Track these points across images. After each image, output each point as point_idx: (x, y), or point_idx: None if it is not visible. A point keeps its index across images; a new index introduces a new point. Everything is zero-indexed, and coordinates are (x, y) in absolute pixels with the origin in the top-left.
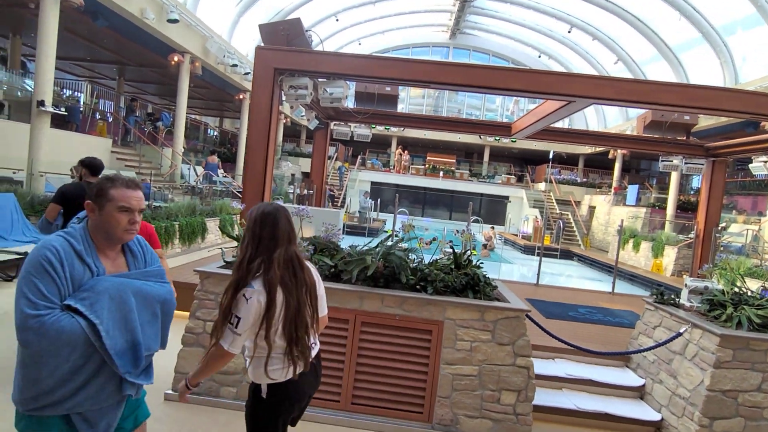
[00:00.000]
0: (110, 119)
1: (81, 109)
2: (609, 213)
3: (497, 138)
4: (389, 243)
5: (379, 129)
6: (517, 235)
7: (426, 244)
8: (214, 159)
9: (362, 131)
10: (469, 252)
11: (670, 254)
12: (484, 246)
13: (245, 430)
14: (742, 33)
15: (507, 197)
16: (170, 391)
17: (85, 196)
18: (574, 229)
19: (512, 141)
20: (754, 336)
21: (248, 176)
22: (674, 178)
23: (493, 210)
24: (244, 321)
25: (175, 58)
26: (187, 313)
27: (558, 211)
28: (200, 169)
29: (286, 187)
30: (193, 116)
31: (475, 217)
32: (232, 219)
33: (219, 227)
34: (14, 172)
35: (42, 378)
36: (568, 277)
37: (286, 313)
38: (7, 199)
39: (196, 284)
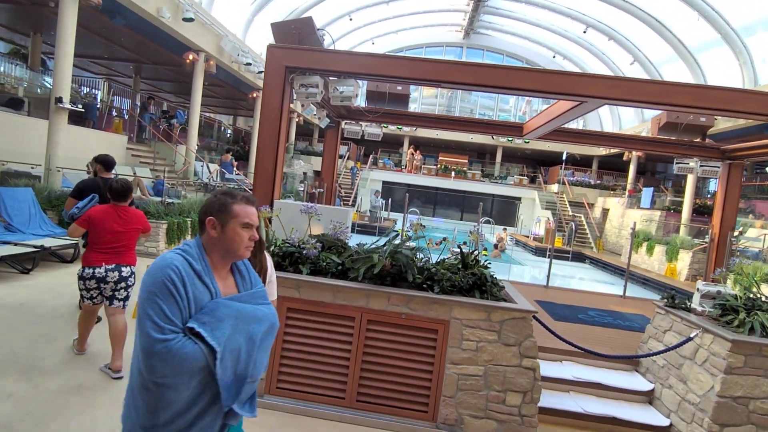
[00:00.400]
0: (126, 116)
1: (98, 106)
2: (623, 216)
3: (510, 138)
4: (397, 242)
5: (391, 128)
6: (528, 237)
7: (436, 244)
8: (228, 157)
9: (373, 130)
10: (477, 252)
11: (684, 258)
12: (495, 246)
13: (249, 421)
14: (762, 34)
15: (519, 198)
16: None
17: (98, 190)
18: (587, 231)
19: (525, 142)
20: (766, 343)
21: (258, 174)
22: (690, 181)
23: (505, 211)
24: None
25: (190, 57)
26: None
27: (570, 213)
28: (213, 167)
29: (297, 186)
30: (207, 114)
31: (487, 218)
32: None
33: None
34: (32, 168)
35: (162, 407)
36: (580, 279)
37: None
38: (26, 194)
39: None
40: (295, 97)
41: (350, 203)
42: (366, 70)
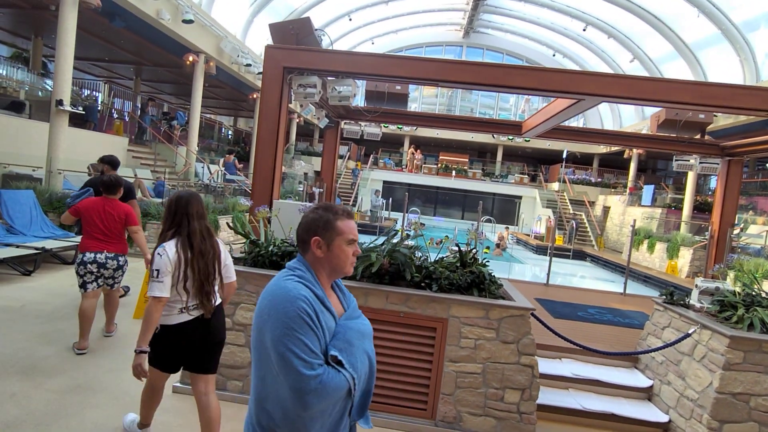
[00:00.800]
0: (127, 118)
1: (99, 108)
2: (624, 213)
3: (510, 137)
4: (395, 240)
5: (392, 128)
6: (529, 235)
7: (437, 243)
8: (230, 158)
9: (372, 130)
10: (475, 250)
11: (685, 255)
12: (497, 245)
13: (242, 415)
14: (765, 29)
15: (519, 197)
16: (178, 384)
17: (96, 185)
18: (588, 229)
19: (525, 140)
20: (767, 338)
21: (257, 174)
22: (690, 178)
23: (506, 210)
24: (160, 271)
25: (190, 58)
26: None
27: (571, 212)
28: (214, 167)
29: (296, 186)
30: (207, 115)
31: (488, 217)
32: (242, 217)
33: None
34: (34, 170)
35: None
36: (581, 277)
37: (192, 269)
38: (27, 196)
39: None
40: (293, 98)
41: (350, 203)
42: (364, 70)
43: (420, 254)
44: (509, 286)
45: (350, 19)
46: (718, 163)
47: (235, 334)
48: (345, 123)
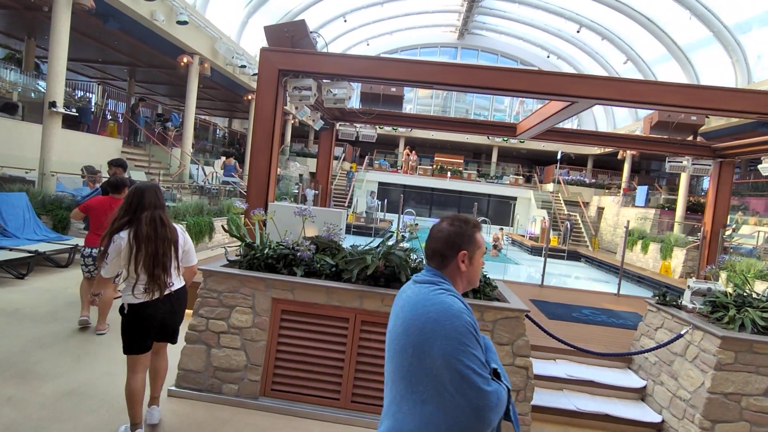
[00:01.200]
0: (121, 120)
1: (92, 109)
2: (618, 214)
3: (505, 138)
4: (390, 242)
5: (387, 129)
6: (524, 236)
7: None
8: (231, 161)
9: (367, 132)
10: None
11: (678, 256)
12: (494, 246)
13: (243, 423)
14: (757, 31)
15: (514, 198)
16: (173, 387)
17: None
18: (582, 230)
19: (520, 141)
20: (758, 339)
21: (253, 176)
22: (683, 179)
23: (501, 211)
24: (110, 256)
25: (185, 60)
26: (191, 311)
27: (566, 212)
28: (209, 169)
29: (292, 188)
30: (202, 117)
31: (483, 218)
32: (237, 219)
33: (222, 226)
34: (26, 172)
35: None
36: (575, 278)
37: (146, 254)
38: (20, 199)
39: (200, 283)
40: (288, 100)
41: (345, 205)
42: (358, 73)
43: (415, 256)
44: (504, 287)
45: (345, 21)
46: (710, 165)
47: (231, 337)
48: (340, 125)
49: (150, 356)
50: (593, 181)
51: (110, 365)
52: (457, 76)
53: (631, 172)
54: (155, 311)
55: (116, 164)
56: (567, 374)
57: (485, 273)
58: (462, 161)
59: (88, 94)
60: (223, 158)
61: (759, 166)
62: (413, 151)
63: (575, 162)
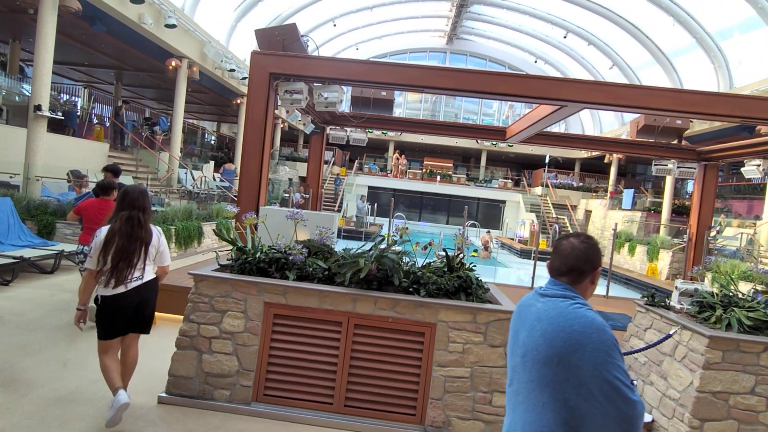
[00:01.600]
0: (107, 124)
1: (78, 113)
2: (605, 217)
3: (494, 142)
4: (383, 246)
5: (376, 133)
6: (513, 239)
7: (423, 249)
8: (231, 166)
9: (358, 135)
10: (462, 255)
11: (665, 258)
12: (485, 248)
13: (235, 430)
14: (738, 37)
15: (503, 201)
16: (164, 394)
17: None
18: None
19: (509, 145)
20: (745, 338)
21: (244, 180)
22: (669, 182)
23: (490, 214)
24: (92, 250)
25: (173, 63)
26: (182, 317)
27: (554, 216)
28: (197, 173)
29: (281, 192)
30: (190, 121)
31: (472, 222)
32: (228, 223)
33: (213, 230)
34: (11, 177)
35: None
36: None
37: (114, 248)
38: (4, 204)
39: (191, 288)
40: (279, 104)
41: (336, 209)
42: (350, 76)
43: (407, 259)
44: (496, 290)
45: (335, 25)
46: (695, 168)
47: (222, 342)
48: (331, 128)
49: (120, 341)
50: (581, 184)
51: (99, 372)
52: (449, 79)
53: (617, 176)
54: (125, 302)
55: (108, 170)
56: None
57: (477, 276)
58: (451, 165)
59: (74, 97)
60: (218, 164)
61: (742, 169)
62: (403, 155)
63: (563, 166)
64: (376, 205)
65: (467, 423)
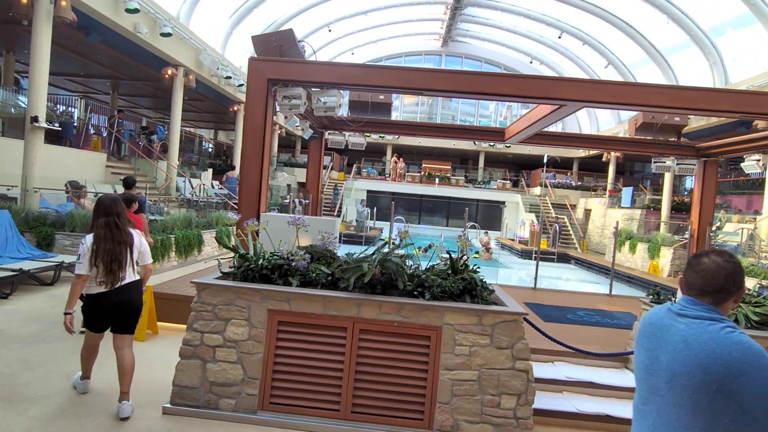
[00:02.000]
0: (104, 134)
1: (75, 124)
2: (605, 215)
3: (492, 144)
4: (385, 250)
5: (374, 137)
6: (514, 240)
7: (423, 252)
8: (234, 173)
9: (357, 140)
10: (465, 257)
11: (666, 255)
12: (486, 250)
13: None
14: (732, 33)
15: (503, 202)
16: (168, 405)
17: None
18: (571, 232)
19: (506, 146)
20: (752, 333)
21: (244, 187)
22: (667, 179)
23: (490, 215)
24: (80, 256)
25: (169, 72)
26: (184, 326)
27: (554, 215)
28: (196, 181)
29: (279, 199)
30: (187, 129)
31: (472, 223)
32: (229, 230)
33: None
34: (8, 189)
35: None
36: (566, 280)
37: (104, 252)
38: (2, 216)
39: (193, 296)
40: (278, 109)
41: (335, 213)
42: (348, 81)
43: (411, 263)
44: (500, 291)
45: (330, 30)
46: (694, 164)
47: (227, 350)
48: (329, 133)
49: (102, 336)
50: (579, 183)
51: (102, 383)
52: (445, 81)
53: (615, 174)
54: (108, 300)
55: (123, 181)
56: (566, 376)
57: (482, 277)
58: (449, 167)
59: (70, 108)
60: (216, 172)
61: (742, 164)
62: (401, 159)
63: (561, 165)
64: (375, 209)
65: (476, 426)
